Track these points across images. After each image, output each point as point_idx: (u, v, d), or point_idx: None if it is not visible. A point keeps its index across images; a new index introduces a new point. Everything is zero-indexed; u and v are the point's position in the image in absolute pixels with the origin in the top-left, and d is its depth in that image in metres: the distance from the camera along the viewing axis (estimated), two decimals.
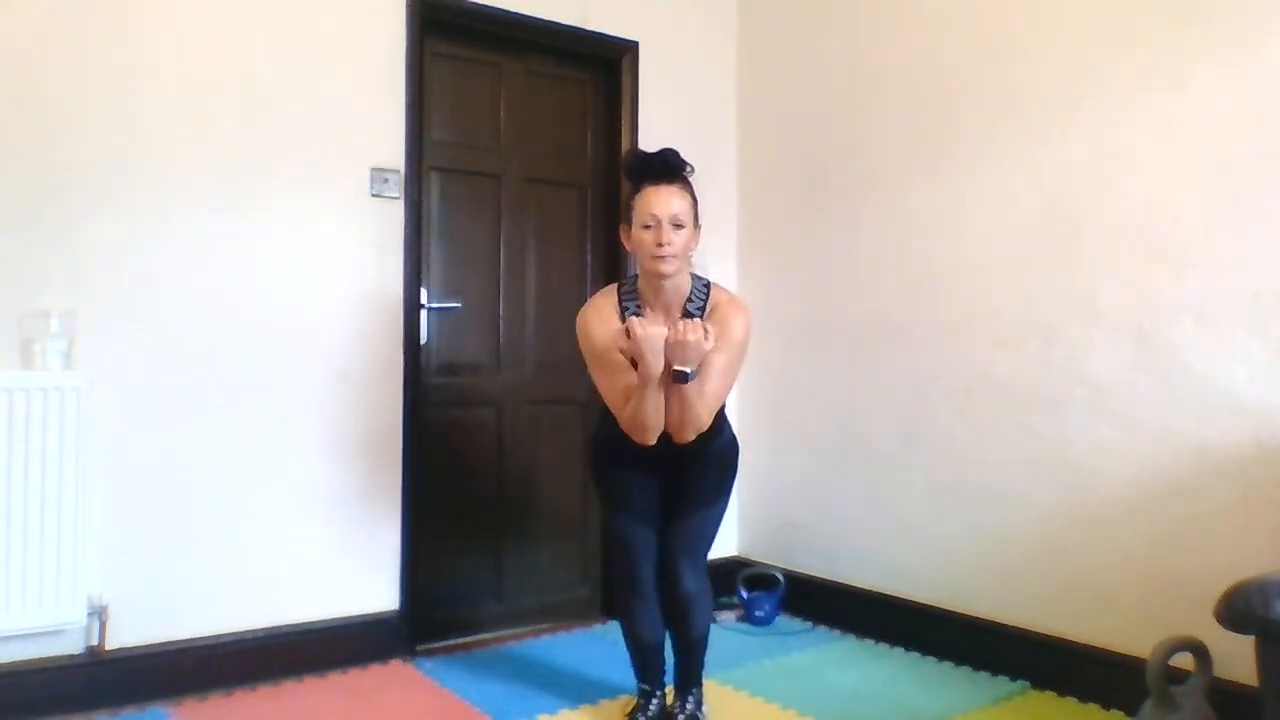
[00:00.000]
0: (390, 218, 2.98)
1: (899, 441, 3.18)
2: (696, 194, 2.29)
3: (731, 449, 2.47)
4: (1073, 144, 2.70)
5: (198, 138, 2.67)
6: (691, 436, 2.25)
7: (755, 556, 3.68)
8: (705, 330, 2.12)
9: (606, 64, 3.55)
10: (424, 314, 3.13)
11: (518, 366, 3.38)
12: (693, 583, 2.33)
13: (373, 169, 2.95)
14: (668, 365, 2.15)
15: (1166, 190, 2.50)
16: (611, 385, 2.28)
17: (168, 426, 2.63)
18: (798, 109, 3.59)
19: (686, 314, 2.27)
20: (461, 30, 3.22)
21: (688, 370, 2.14)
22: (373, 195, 2.95)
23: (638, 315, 2.24)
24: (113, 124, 2.55)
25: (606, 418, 2.39)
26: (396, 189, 2.99)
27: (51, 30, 2.47)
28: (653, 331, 2.10)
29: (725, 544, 3.66)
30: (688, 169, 2.26)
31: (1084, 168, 2.67)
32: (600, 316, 2.29)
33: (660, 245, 2.18)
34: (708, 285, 2.34)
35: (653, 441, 2.25)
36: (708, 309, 2.29)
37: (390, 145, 2.98)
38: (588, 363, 2.35)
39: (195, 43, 2.67)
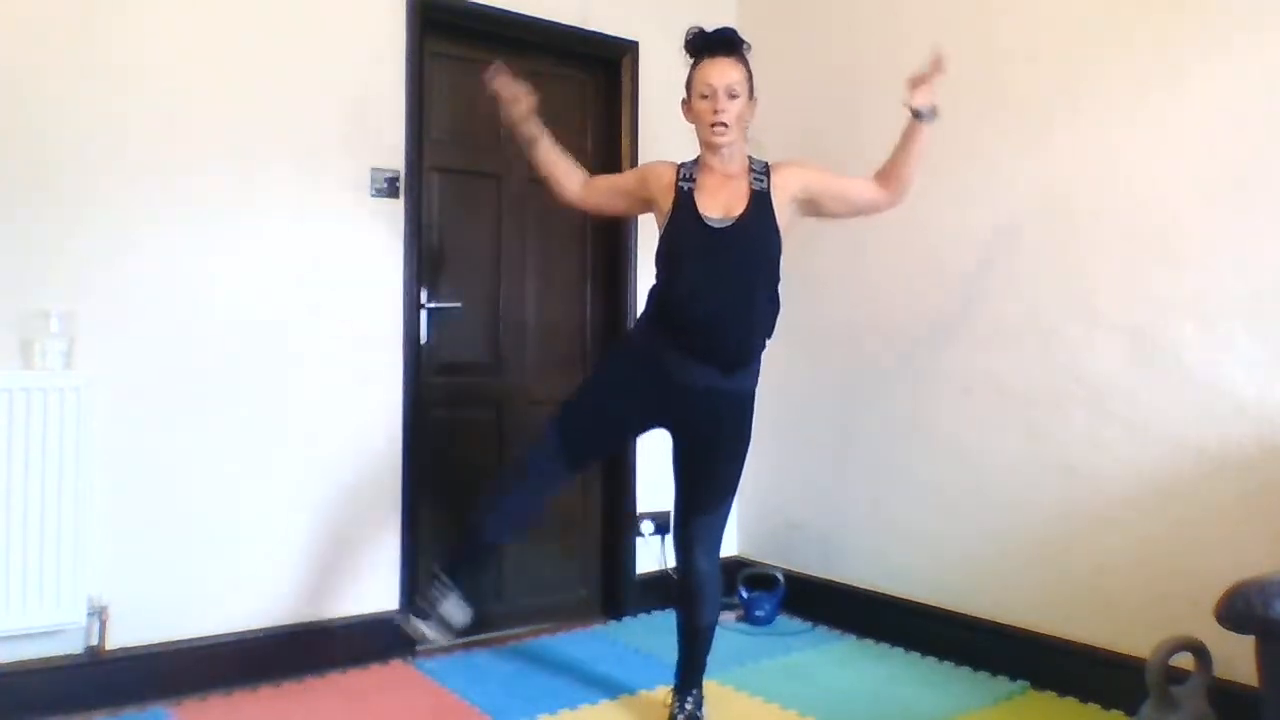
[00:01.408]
0: (390, 218, 2.99)
1: (899, 441, 3.17)
2: (752, 69, 2.37)
3: (752, 400, 2.39)
4: (1072, 143, 2.70)
5: (197, 138, 2.67)
6: (905, 196, 2.48)
7: (755, 556, 3.68)
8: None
9: (606, 64, 3.55)
10: (424, 314, 3.13)
11: (518, 366, 3.38)
12: (706, 564, 2.38)
13: (373, 169, 2.95)
14: (728, 211, 2.27)
15: (1166, 189, 2.50)
16: (612, 176, 2.67)
17: (167, 426, 2.63)
18: (796, 108, 3.58)
19: (753, 173, 2.34)
20: (461, 30, 3.22)
21: (922, 110, 2.31)
22: (373, 195, 2.95)
23: (692, 183, 2.34)
24: (110, 125, 2.55)
25: (650, 307, 2.38)
26: (397, 189, 2.99)
27: (49, 31, 2.47)
28: (498, 86, 2.48)
29: (725, 544, 3.62)
30: (744, 44, 2.36)
31: (1083, 166, 2.67)
32: (658, 165, 2.45)
33: (716, 113, 2.28)
34: (766, 163, 2.40)
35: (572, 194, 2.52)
36: (771, 177, 2.36)
37: (390, 145, 2.98)
38: None
39: (194, 44, 2.67)
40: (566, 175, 2.52)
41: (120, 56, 2.56)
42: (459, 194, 3.27)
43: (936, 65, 2.30)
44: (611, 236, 3.53)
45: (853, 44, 3.39)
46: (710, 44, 2.34)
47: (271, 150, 2.78)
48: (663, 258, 2.33)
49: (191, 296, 2.66)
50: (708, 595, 2.40)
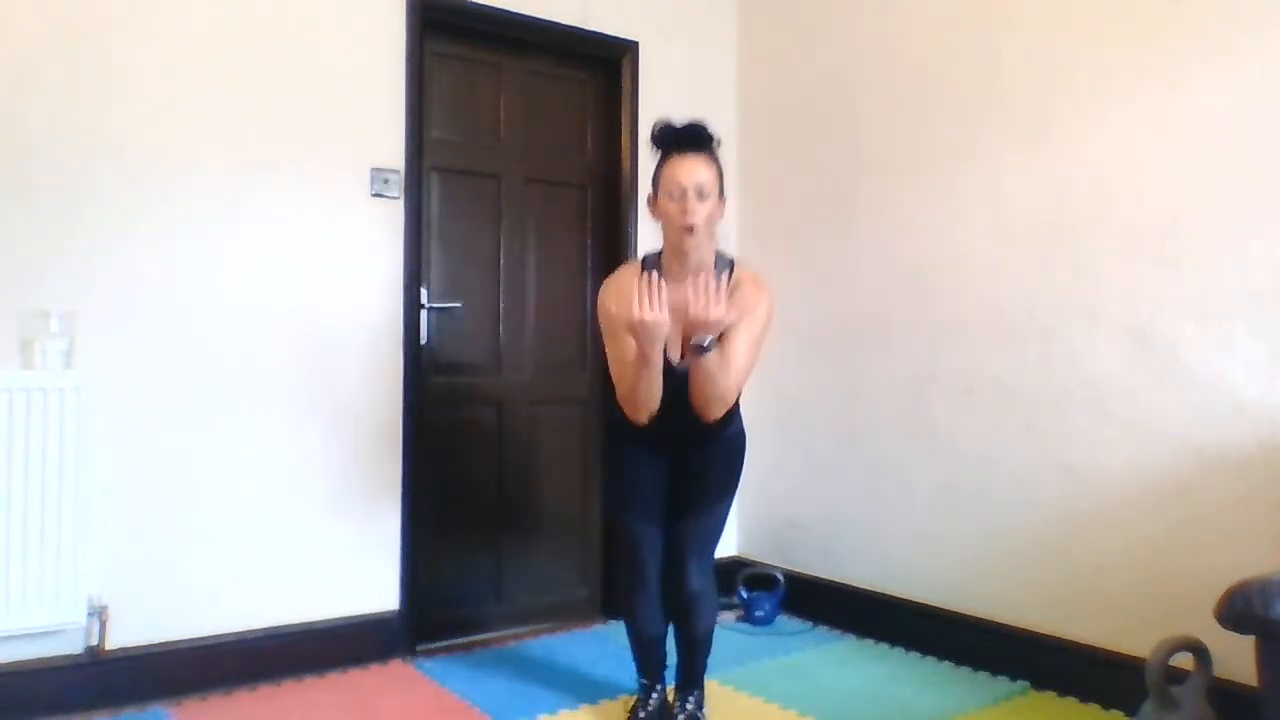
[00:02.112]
0: (390, 218, 2.99)
1: (899, 441, 3.17)
2: (722, 165, 2.29)
3: (740, 439, 2.46)
4: (1072, 143, 2.70)
5: (196, 138, 2.67)
6: (718, 412, 2.23)
7: (755, 556, 3.68)
8: (720, 289, 2.11)
9: (606, 64, 3.55)
10: (424, 314, 3.13)
11: (518, 366, 3.38)
12: (699, 581, 2.34)
13: (373, 169, 2.95)
14: (687, 337, 2.15)
15: (1166, 189, 2.50)
16: (620, 361, 2.28)
17: (167, 426, 2.63)
18: (798, 109, 3.59)
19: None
20: (461, 30, 3.22)
21: (705, 343, 2.12)
22: (373, 195, 2.95)
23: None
24: (110, 125, 2.55)
25: (623, 422, 2.38)
26: (396, 189, 2.99)
27: (48, 31, 2.47)
28: (652, 319, 2.07)
29: (725, 544, 3.64)
30: (714, 140, 2.26)
31: (1083, 166, 2.67)
32: (620, 293, 2.26)
33: (685, 215, 2.18)
34: (732, 262, 2.35)
35: (645, 420, 2.24)
36: (731, 286, 2.27)
37: (390, 145, 2.98)
38: (602, 334, 2.36)
39: (194, 43, 2.67)
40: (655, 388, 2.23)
41: (120, 56, 2.56)
42: (459, 194, 3.27)
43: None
44: (611, 236, 3.54)
45: (852, 43, 3.39)
46: (680, 140, 2.23)
47: (271, 150, 2.78)
48: None
49: (191, 296, 2.66)
50: (700, 613, 2.37)
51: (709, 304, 2.08)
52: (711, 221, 2.24)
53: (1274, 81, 2.30)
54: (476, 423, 3.30)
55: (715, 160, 2.26)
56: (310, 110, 2.84)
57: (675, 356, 2.24)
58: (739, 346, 2.22)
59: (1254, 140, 2.33)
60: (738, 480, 2.46)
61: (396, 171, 2.99)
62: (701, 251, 2.25)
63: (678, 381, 2.22)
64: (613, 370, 2.31)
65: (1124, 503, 2.56)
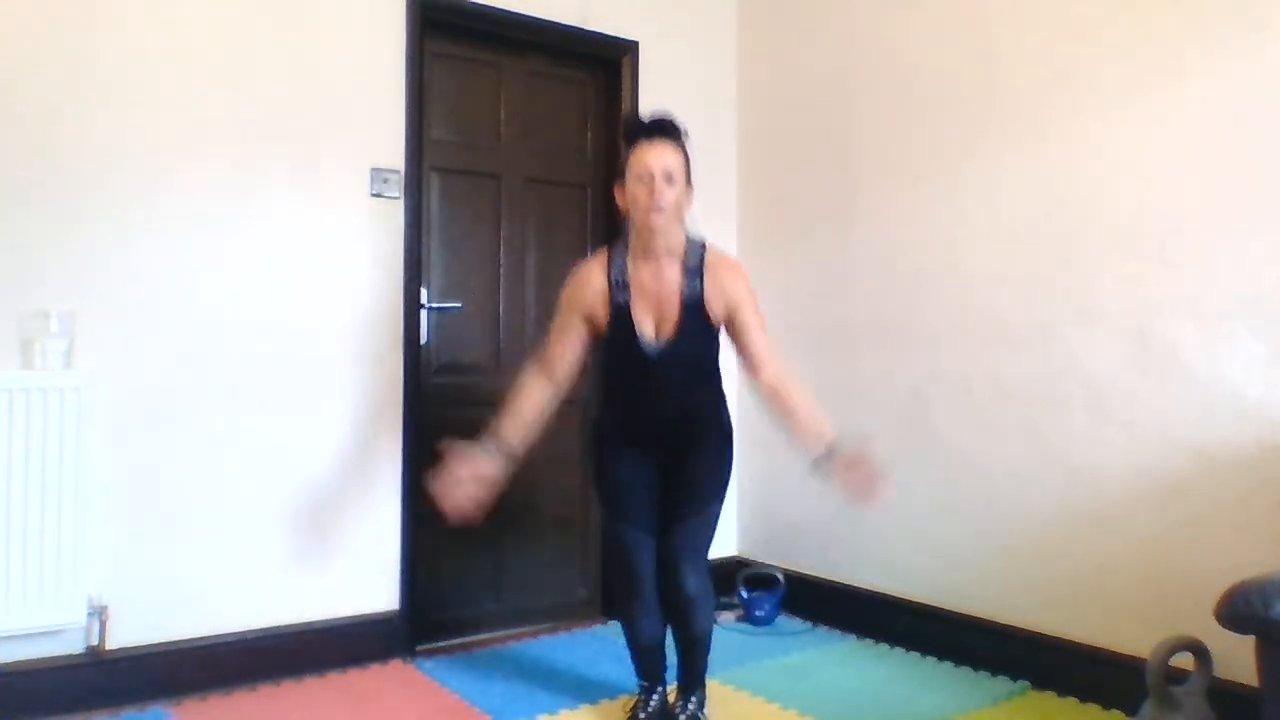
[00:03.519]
0: (390, 218, 2.99)
1: (899, 442, 3.17)
2: (690, 156, 2.32)
3: (727, 442, 2.48)
4: (1072, 143, 2.70)
5: (196, 138, 2.67)
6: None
7: (755, 556, 3.68)
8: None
9: (606, 64, 3.55)
10: (424, 314, 3.13)
11: (518, 366, 3.37)
12: (694, 585, 2.32)
13: (373, 169, 2.95)
14: (657, 317, 2.30)
15: (1165, 189, 2.50)
16: (557, 337, 2.41)
17: (167, 426, 2.63)
18: (798, 109, 3.59)
19: (687, 270, 2.30)
20: (461, 30, 3.22)
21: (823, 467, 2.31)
22: (373, 195, 2.95)
23: (626, 293, 2.31)
24: (110, 125, 2.55)
25: (606, 406, 2.47)
26: (396, 189, 2.99)
27: (48, 31, 2.47)
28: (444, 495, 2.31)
29: (725, 544, 3.65)
30: (682, 131, 2.30)
31: (1083, 166, 2.67)
32: (585, 278, 2.37)
33: (653, 197, 2.21)
34: (703, 245, 2.37)
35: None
36: (705, 267, 2.31)
37: (390, 145, 2.98)
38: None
39: (193, 44, 2.67)
40: (536, 393, 2.43)
41: (119, 56, 2.56)
42: (459, 194, 3.27)
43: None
44: (611, 236, 3.53)
45: (852, 43, 3.39)
46: (648, 128, 2.27)
47: (271, 150, 2.78)
48: (605, 372, 2.42)
49: (191, 296, 2.67)
50: (697, 616, 2.36)
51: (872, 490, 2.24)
52: (679, 207, 2.28)
53: (1274, 81, 2.30)
54: (476, 423, 3.28)
55: (683, 148, 2.30)
56: (310, 110, 2.84)
57: (650, 334, 2.31)
58: (755, 333, 2.33)
59: (1254, 140, 2.33)
60: (726, 483, 2.48)
61: (396, 171, 2.99)
62: (669, 236, 2.29)
63: (650, 363, 2.30)
64: (549, 336, 2.45)
65: (1124, 503, 2.56)
